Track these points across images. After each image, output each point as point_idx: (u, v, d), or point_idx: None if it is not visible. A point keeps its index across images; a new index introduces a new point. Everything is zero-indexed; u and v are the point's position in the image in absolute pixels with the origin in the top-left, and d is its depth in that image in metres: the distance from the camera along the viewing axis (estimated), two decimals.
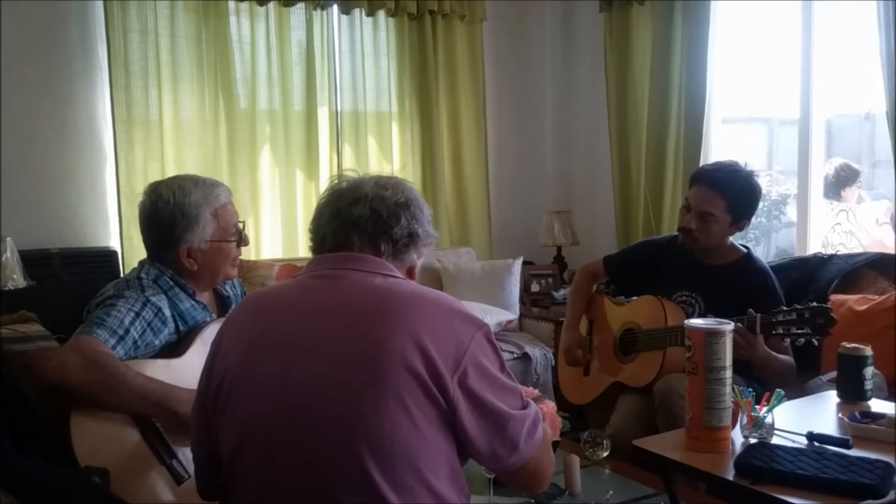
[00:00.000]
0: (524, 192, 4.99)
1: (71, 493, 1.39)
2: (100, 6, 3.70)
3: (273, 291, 1.48)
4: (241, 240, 2.03)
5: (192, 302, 1.97)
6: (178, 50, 3.88)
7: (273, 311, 1.38)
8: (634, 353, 2.71)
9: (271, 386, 1.30)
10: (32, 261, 3.35)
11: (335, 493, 1.24)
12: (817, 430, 1.84)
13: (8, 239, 3.20)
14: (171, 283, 1.94)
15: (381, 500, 1.22)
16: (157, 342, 1.88)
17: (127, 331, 1.79)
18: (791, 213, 4.97)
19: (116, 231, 3.81)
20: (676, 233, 2.75)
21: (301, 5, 4.14)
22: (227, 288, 2.15)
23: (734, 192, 2.57)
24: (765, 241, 5.47)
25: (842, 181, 4.15)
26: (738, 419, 1.86)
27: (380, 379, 1.23)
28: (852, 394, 2.11)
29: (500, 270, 4.28)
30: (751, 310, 2.34)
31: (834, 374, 2.23)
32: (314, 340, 1.30)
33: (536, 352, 3.96)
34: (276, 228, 4.23)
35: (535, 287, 4.59)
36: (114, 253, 3.72)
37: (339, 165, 4.31)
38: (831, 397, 2.17)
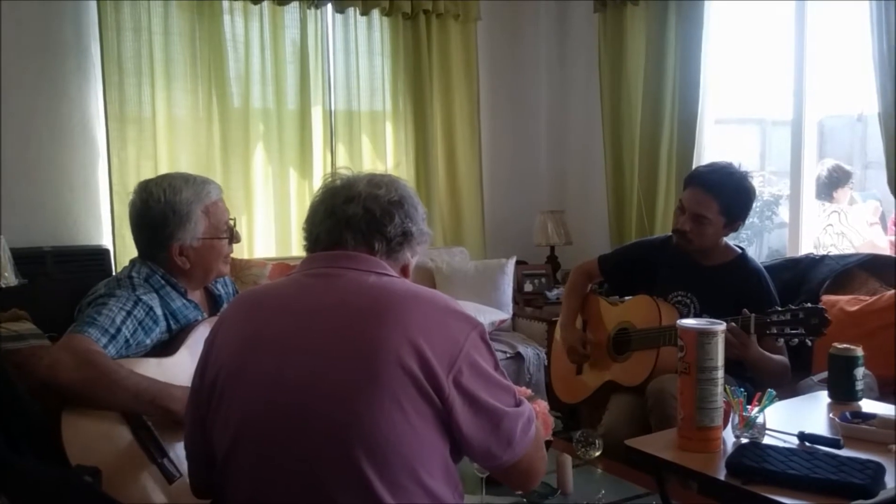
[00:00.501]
0: (518, 192, 5.00)
1: (63, 492, 1.38)
2: (93, 4, 3.70)
3: (267, 290, 1.48)
4: (233, 237, 2.02)
5: (184, 301, 1.96)
6: (172, 48, 3.87)
7: (267, 310, 1.38)
8: (628, 353, 2.71)
9: (265, 385, 1.29)
10: (25, 259, 3.34)
11: (329, 493, 1.23)
12: (808, 430, 1.84)
13: (0, 237, 3.19)
14: (163, 281, 1.94)
15: (376, 499, 1.22)
16: (148, 341, 1.87)
17: (118, 329, 1.79)
18: (783, 213, 5.00)
19: (109, 229, 3.80)
20: (671, 233, 2.75)
21: (295, 4, 4.14)
22: (219, 287, 2.15)
23: (728, 194, 2.57)
24: (757, 241, 5.50)
25: (834, 182, 4.17)
26: (730, 419, 1.86)
27: (374, 378, 1.22)
28: (843, 394, 2.11)
29: (494, 270, 4.28)
30: (745, 310, 2.35)
31: (825, 374, 2.23)
32: (308, 339, 1.29)
33: (529, 351, 3.97)
34: (269, 227, 4.22)
35: (528, 287, 4.59)
36: (106, 251, 3.72)
37: (333, 165, 4.31)
38: (822, 398, 2.17)
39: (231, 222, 2.02)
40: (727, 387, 1.84)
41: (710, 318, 1.87)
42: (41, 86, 3.66)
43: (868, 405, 2.08)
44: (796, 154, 3.76)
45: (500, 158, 4.94)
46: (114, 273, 3.40)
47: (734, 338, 2.28)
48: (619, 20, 4.39)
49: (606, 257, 3.01)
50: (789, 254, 3.77)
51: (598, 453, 2.25)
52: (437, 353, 1.25)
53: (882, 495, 1.53)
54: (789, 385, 2.52)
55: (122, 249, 3.68)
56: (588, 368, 2.88)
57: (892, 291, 2.93)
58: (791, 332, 2.27)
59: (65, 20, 3.71)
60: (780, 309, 2.31)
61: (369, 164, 4.38)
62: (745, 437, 1.83)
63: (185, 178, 1.95)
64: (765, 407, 1.85)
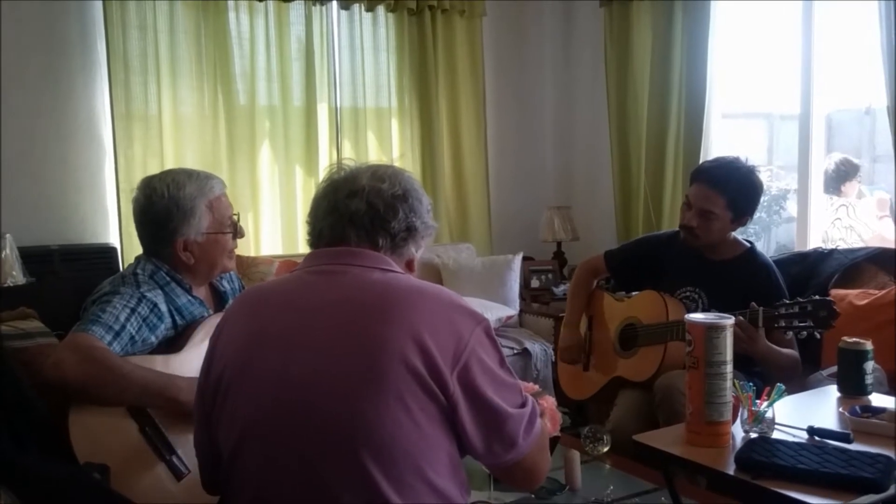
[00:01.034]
0: (524, 188, 4.99)
1: (71, 489, 1.39)
2: (99, 3, 3.71)
3: (271, 286, 1.47)
4: (237, 231, 2.02)
5: (189, 297, 1.96)
6: (177, 46, 3.88)
7: (271, 307, 1.38)
8: (635, 348, 2.70)
9: (270, 382, 1.29)
10: (32, 257, 3.35)
11: (334, 491, 1.23)
12: (818, 424, 1.83)
13: (7, 235, 3.21)
14: (168, 278, 1.93)
15: (382, 498, 1.22)
16: (153, 338, 1.87)
17: (123, 327, 1.79)
18: (791, 208, 4.97)
19: (116, 227, 3.81)
20: (678, 228, 2.74)
21: (300, 1, 4.14)
22: (224, 283, 2.15)
23: (734, 189, 2.56)
24: (765, 236, 5.47)
25: (842, 176, 4.15)
26: (739, 414, 1.85)
27: (379, 376, 1.22)
28: (853, 388, 2.10)
29: (500, 266, 4.28)
30: (753, 303, 2.34)
31: (834, 368, 2.22)
32: (313, 336, 1.29)
33: (536, 347, 3.96)
34: (275, 224, 4.23)
35: (535, 283, 4.58)
36: (113, 249, 3.73)
37: (339, 162, 4.29)
38: (832, 392, 2.16)
39: (235, 217, 2.02)
40: (736, 381, 1.83)
41: (719, 312, 1.86)
42: (47, 84, 3.67)
43: (878, 399, 2.07)
44: (804, 148, 3.74)
45: (507, 154, 4.93)
46: (121, 271, 3.41)
47: (742, 332, 2.27)
48: (625, 15, 4.38)
49: (613, 253, 2.99)
50: (797, 248, 3.75)
51: (606, 449, 2.24)
52: (441, 349, 1.24)
53: (892, 489, 1.52)
54: (799, 379, 2.51)
55: (130, 247, 3.69)
56: (595, 365, 2.88)
57: None
58: (799, 325, 2.25)
59: (70, 18, 3.72)
60: (788, 302, 2.30)
61: (375, 160, 4.37)
62: (755, 432, 1.82)
63: (189, 174, 1.95)
64: (774, 401, 1.84)
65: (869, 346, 2.10)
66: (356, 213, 1.37)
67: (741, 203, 2.58)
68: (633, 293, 2.85)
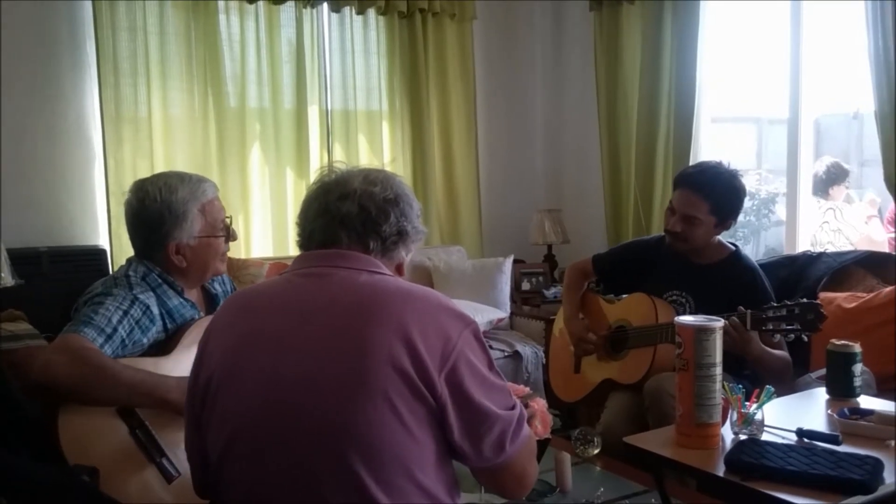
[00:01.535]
0: (515, 191, 5.00)
1: (61, 491, 1.38)
2: (88, 4, 3.69)
3: (260, 289, 1.47)
4: (230, 235, 2.02)
5: (181, 299, 1.95)
6: (168, 48, 3.86)
7: (260, 309, 1.37)
8: (625, 351, 2.71)
9: (259, 383, 1.29)
10: (21, 259, 3.32)
11: (323, 493, 1.23)
12: (807, 426, 1.84)
13: None
14: (160, 280, 1.93)
15: (370, 499, 1.21)
16: (145, 340, 1.86)
17: (115, 329, 1.78)
18: (780, 211, 5.00)
19: (105, 229, 3.79)
20: (664, 233, 2.75)
21: (291, 3, 4.13)
22: (216, 285, 2.14)
23: (717, 194, 2.58)
24: (754, 239, 5.50)
25: (831, 179, 4.18)
26: (728, 416, 1.86)
27: (367, 378, 1.22)
28: (841, 391, 2.11)
29: (491, 269, 4.28)
30: (741, 307, 2.35)
31: (823, 371, 2.23)
32: (301, 338, 1.29)
33: (527, 350, 3.97)
34: (266, 227, 4.22)
35: (525, 285, 4.59)
36: (102, 251, 3.71)
37: (330, 164, 4.28)
38: (820, 394, 2.17)
39: (227, 220, 2.02)
40: (725, 383, 1.84)
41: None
42: (36, 85, 3.65)
43: (866, 401, 2.09)
44: (793, 152, 3.76)
45: (497, 157, 4.94)
46: (110, 273, 3.39)
47: (736, 333, 2.28)
48: (615, 19, 4.39)
49: (601, 257, 3.01)
50: (786, 251, 3.77)
51: (596, 451, 2.24)
52: (429, 351, 1.24)
53: (881, 491, 1.54)
54: (788, 382, 2.52)
55: (119, 249, 3.67)
56: (586, 367, 2.88)
57: (890, 288, 2.94)
58: (787, 328, 2.27)
59: (60, 19, 3.70)
60: (775, 305, 2.32)
61: (366, 163, 4.36)
62: (744, 434, 1.83)
63: (181, 177, 1.95)
64: (763, 403, 1.85)
65: (857, 348, 2.11)
66: (348, 215, 1.37)
67: (724, 207, 2.59)
68: (623, 296, 2.86)
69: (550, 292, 4.43)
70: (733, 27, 4.18)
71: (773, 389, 1.89)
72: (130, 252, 2.00)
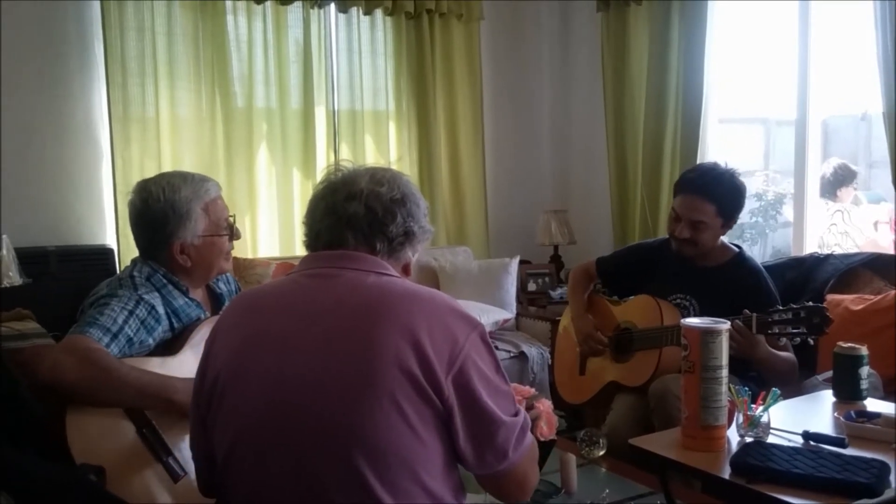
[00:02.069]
0: (521, 192, 4.99)
1: (68, 491, 1.39)
2: (97, 4, 3.70)
3: (267, 289, 1.47)
4: (234, 233, 2.02)
5: (186, 299, 1.96)
6: (175, 48, 3.87)
7: (266, 310, 1.38)
8: (630, 353, 2.71)
9: (265, 384, 1.29)
10: (29, 258, 3.35)
11: (328, 494, 1.23)
12: (813, 429, 1.84)
13: (4, 236, 3.20)
14: (165, 280, 1.93)
15: (375, 500, 1.21)
16: (150, 340, 1.87)
17: (121, 329, 1.79)
18: (787, 213, 4.98)
19: (112, 229, 3.80)
20: (669, 238, 2.74)
21: (298, 4, 4.14)
22: (221, 285, 2.15)
23: (721, 195, 2.57)
24: (761, 240, 5.48)
25: (839, 181, 4.17)
26: (734, 418, 1.86)
27: (373, 380, 1.22)
28: (848, 393, 2.11)
29: (497, 269, 4.28)
30: (746, 310, 2.34)
31: (830, 373, 2.23)
32: (308, 339, 1.29)
33: (533, 351, 3.97)
34: (272, 227, 4.22)
35: (531, 286, 4.59)
36: (110, 251, 3.72)
37: (336, 163, 4.29)
38: (827, 397, 2.17)
39: (231, 219, 2.02)
40: (731, 386, 1.84)
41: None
42: (44, 85, 3.66)
43: (873, 404, 2.08)
44: (800, 153, 3.75)
45: (504, 158, 4.93)
46: (117, 272, 3.40)
47: (742, 337, 2.27)
48: (622, 20, 4.39)
49: (604, 259, 3.00)
50: (794, 253, 3.76)
51: (602, 452, 2.24)
52: (437, 353, 1.24)
53: (887, 494, 1.53)
54: (794, 384, 2.52)
55: (126, 249, 3.68)
56: (591, 368, 2.88)
57: None
58: (792, 332, 2.26)
59: (68, 19, 3.71)
60: (781, 308, 2.31)
61: (372, 163, 4.36)
62: (750, 436, 1.83)
63: (184, 177, 1.95)
64: (769, 406, 1.85)
65: (864, 350, 2.11)
66: (354, 216, 1.36)
67: (729, 208, 2.59)
68: (628, 298, 2.85)
69: (556, 293, 4.43)
70: (741, 27, 4.16)
71: (779, 392, 1.89)
72: (137, 252, 2.01)
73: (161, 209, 1.90)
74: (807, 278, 3.24)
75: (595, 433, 2.28)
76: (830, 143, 5.13)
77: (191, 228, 1.92)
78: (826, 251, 3.57)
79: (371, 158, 4.40)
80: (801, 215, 3.81)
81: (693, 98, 3.99)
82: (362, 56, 4.37)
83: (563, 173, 5.08)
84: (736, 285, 2.57)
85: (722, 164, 2.66)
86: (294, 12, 4.16)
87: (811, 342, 2.27)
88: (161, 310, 1.90)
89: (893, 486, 1.56)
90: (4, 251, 3.19)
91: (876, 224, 4.14)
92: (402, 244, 1.40)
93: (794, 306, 2.27)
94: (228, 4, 3.98)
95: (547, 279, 4.63)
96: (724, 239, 2.72)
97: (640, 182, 4.31)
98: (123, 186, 3.70)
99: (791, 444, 1.78)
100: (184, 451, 1.73)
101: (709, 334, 1.76)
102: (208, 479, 1.44)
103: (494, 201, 4.84)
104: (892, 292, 2.94)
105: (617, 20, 4.42)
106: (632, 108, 4.38)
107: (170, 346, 1.91)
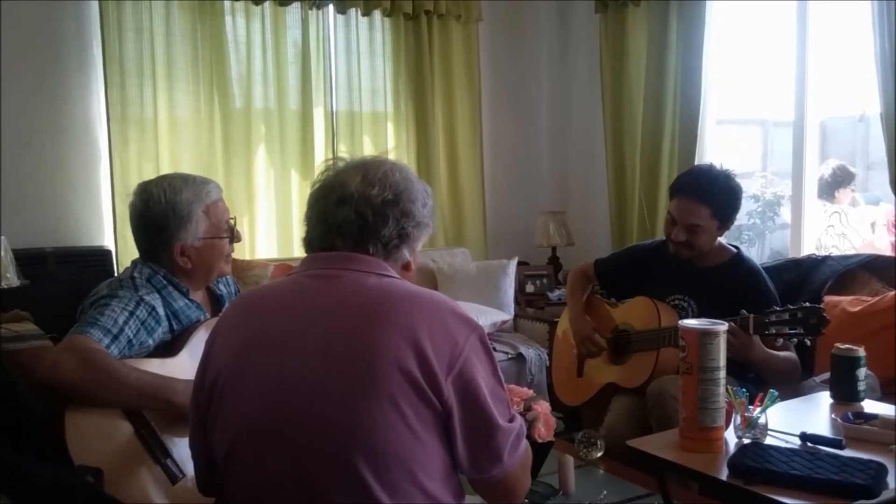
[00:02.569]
0: (519, 193, 5.00)
1: (65, 492, 1.39)
2: (95, 5, 3.70)
3: (266, 290, 1.47)
4: (234, 236, 2.03)
5: (186, 301, 1.96)
6: (174, 49, 3.87)
7: (266, 311, 1.38)
8: (628, 354, 2.71)
9: (265, 385, 1.29)
10: (26, 260, 3.34)
11: (327, 494, 1.23)
12: (810, 430, 1.84)
13: (2, 238, 3.20)
14: (165, 281, 1.94)
15: (374, 501, 1.22)
16: (150, 341, 1.87)
17: (121, 330, 1.79)
18: (785, 214, 4.99)
19: (111, 230, 3.80)
20: (665, 240, 2.74)
21: (297, 5, 4.14)
22: (221, 287, 2.15)
23: (716, 197, 2.57)
24: (759, 242, 5.49)
25: (837, 182, 4.17)
26: (732, 420, 1.86)
27: (373, 381, 1.22)
28: (845, 395, 2.11)
29: (496, 271, 4.28)
30: (743, 311, 2.34)
31: (827, 375, 2.23)
32: (308, 340, 1.29)
33: (531, 352, 3.96)
34: (271, 228, 4.22)
35: (529, 288, 4.59)
36: (108, 252, 3.72)
37: (334, 158, 4.29)
38: (824, 398, 2.17)
39: (231, 221, 2.03)
40: (729, 387, 1.84)
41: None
42: (43, 86, 3.66)
43: (870, 406, 2.08)
44: (798, 155, 3.75)
45: (502, 159, 4.94)
46: (116, 273, 3.40)
47: (735, 339, 2.27)
48: (620, 21, 4.39)
49: (602, 261, 3.00)
50: (791, 254, 3.76)
51: (599, 454, 2.25)
52: (437, 354, 1.24)
53: (884, 496, 1.53)
54: (793, 385, 2.52)
55: (124, 250, 3.68)
56: (589, 370, 2.88)
57: (894, 292, 2.93)
58: (790, 332, 2.26)
59: (66, 20, 3.71)
60: (778, 309, 2.31)
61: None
62: (747, 438, 1.83)
63: (185, 179, 1.95)
64: (767, 407, 1.85)
65: (861, 352, 2.11)
66: (345, 222, 1.36)
67: (725, 209, 2.59)
68: (626, 300, 2.85)
69: (554, 295, 4.43)
70: (739, 29, 4.17)
71: (776, 393, 1.89)
72: (136, 253, 2.01)
73: (162, 211, 1.90)
74: (804, 280, 3.24)
75: (593, 435, 2.28)
76: (828, 144, 5.13)
77: (191, 230, 1.92)
78: (824, 253, 3.57)
79: None
80: (799, 217, 3.81)
81: (691, 99, 3.99)
82: (360, 57, 4.37)
83: (561, 175, 5.09)
84: (735, 286, 2.57)
85: (718, 165, 2.65)
86: (292, 13, 4.16)
87: (808, 343, 2.27)
88: (161, 311, 1.90)
89: (891, 487, 1.56)
90: (2, 252, 3.19)
91: (873, 226, 4.15)
92: (396, 246, 1.39)
93: (791, 307, 2.27)
94: (227, 5, 3.98)
95: (545, 281, 4.63)
96: (722, 240, 2.72)
97: (639, 183, 4.31)
98: (121, 187, 3.71)
99: (788, 446, 1.78)
100: (182, 452, 1.73)
101: (706, 336, 1.76)
102: (208, 480, 1.44)
103: (493, 202, 4.84)
104: (890, 294, 2.94)
105: (615, 21, 4.42)
106: (630, 110, 4.38)
107: (169, 347, 1.91)
